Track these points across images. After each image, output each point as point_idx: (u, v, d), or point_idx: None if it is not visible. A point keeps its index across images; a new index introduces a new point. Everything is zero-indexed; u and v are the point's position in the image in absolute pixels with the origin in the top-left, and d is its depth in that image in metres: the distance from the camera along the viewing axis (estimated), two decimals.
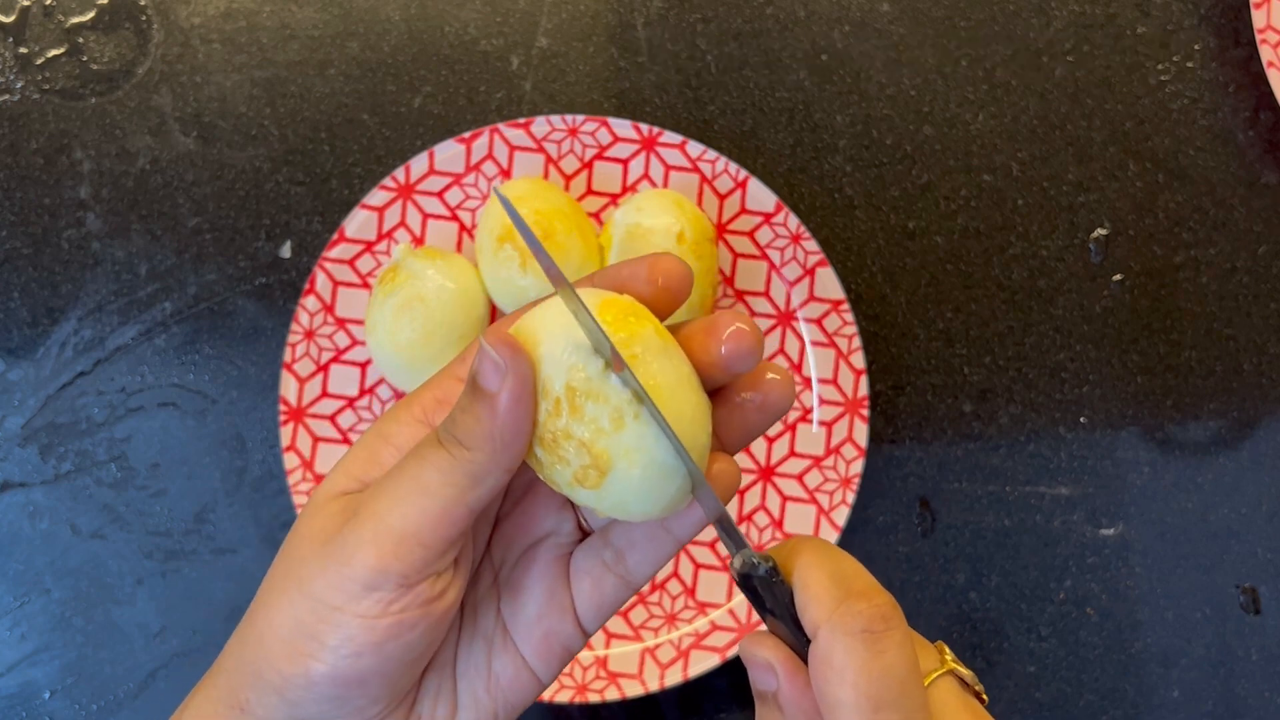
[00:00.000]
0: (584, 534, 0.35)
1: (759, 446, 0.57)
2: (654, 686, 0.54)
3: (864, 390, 0.56)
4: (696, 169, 0.57)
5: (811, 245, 0.56)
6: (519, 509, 0.34)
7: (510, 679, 0.33)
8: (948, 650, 0.33)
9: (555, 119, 0.56)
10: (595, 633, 0.34)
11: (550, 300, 0.30)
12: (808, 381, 0.57)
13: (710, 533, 0.56)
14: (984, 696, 0.33)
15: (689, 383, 0.30)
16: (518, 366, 0.28)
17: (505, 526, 0.34)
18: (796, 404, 0.57)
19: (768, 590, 0.31)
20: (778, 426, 0.57)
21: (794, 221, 0.56)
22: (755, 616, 0.55)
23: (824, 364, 0.56)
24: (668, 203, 0.54)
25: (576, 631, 0.34)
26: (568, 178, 0.57)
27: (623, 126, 0.57)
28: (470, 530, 0.31)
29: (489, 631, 0.33)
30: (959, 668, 0.33)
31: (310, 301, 0.56)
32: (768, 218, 0.57)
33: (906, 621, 0.30)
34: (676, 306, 0.32)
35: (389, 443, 0.31)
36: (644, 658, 0.55)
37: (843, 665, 0.29)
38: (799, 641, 0.31)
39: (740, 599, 0.56)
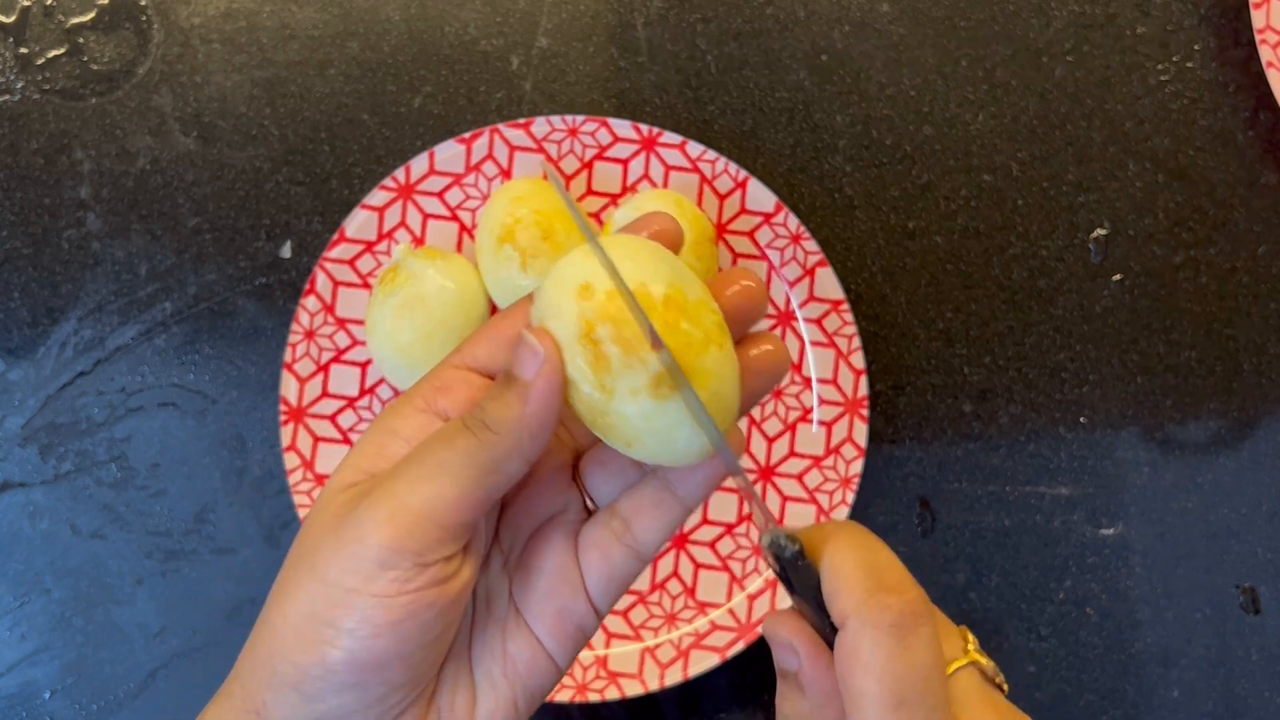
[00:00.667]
0: (589, 514, 0.35)
1: (759, 446, 0.57)
2: (654, 686, 0.54)
3: (864, 390, 0.56)
4: (696, 169, 0.57)
5: (811, 245, 0.56)
6: (525, 491, 0.34)
7: (527, 662, 0.33)
8: (971, 638, 0.33)
9: (555, 119, 0.56)
10: (607, 612, 0.34)
11: (628, 237, 0.32)
12: (808, 381, 0.57)
13: (711, 533, 0.56)
14: (1004, 687, 0.33)
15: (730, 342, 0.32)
16: (553, 357, 0.29)
17: (511, 510, 0.34)
18: (796, 404, 0.57)
19: (794, 571, 0.31)
20: (777, 426, 0.57)
21: (794, 221, 0.56)
22: (756, 615, 0.55)
23: (824, 364, 0.56)
24: (668, 203, 0.54)
25: (589, 609, 0.34)
26: (568, 178, 0.57)
27: (623, 126, 0.57)
28: (484, 517, 0.31)
29: (502, 615, 0.33)
30: (981, 659, 0.33)
31: (310, 301, 0.56)
32: (767, 218, 0.57)
33: (934, 617, 0.30)
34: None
35: (396, 436, 0.31)
36: (644, 657, 0.55)
37: (869, 658, 0.29)
38: (823, 624, 0.31)
39: (739, 599, 0.56)
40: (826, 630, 0.31)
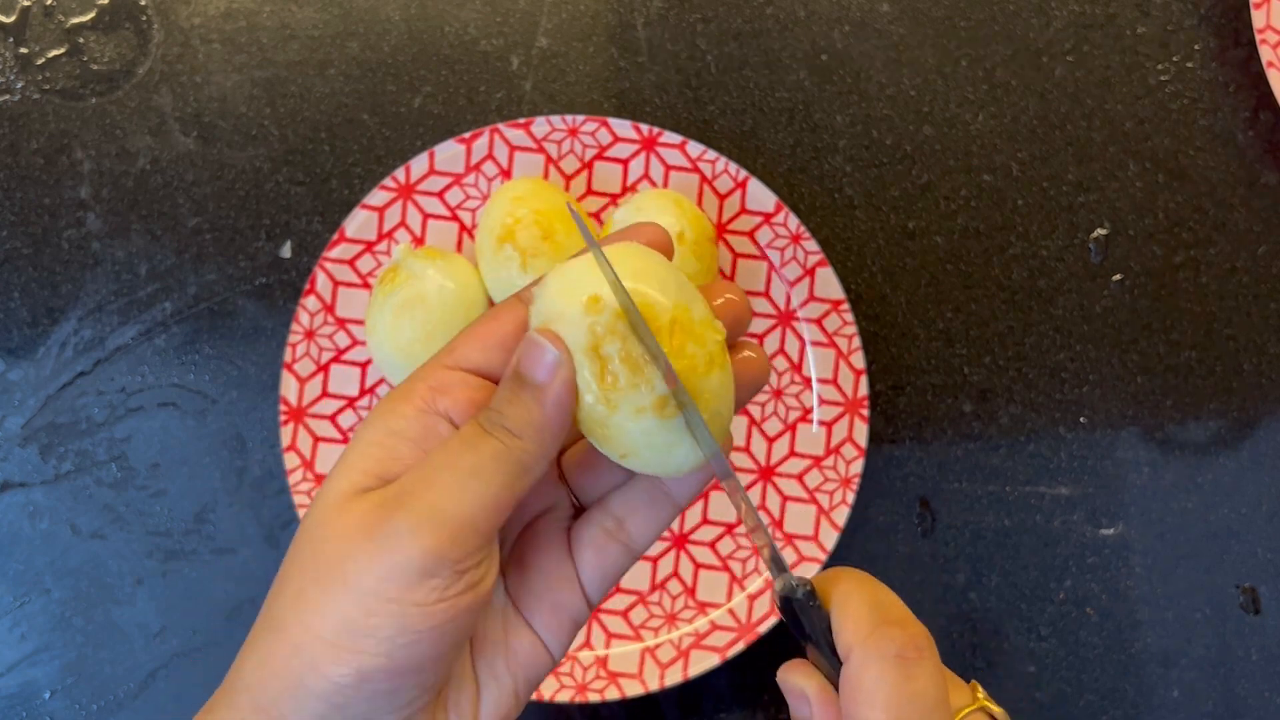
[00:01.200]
0: (576, 510, 0.35)
1: (759, 446, 0.57)
2: (654, 686, 0.54)
3: (864, 390, 0.56)
4: (696, 169, 0.57)
5: (811, 245, 0.56)
6: None
7: (527, 653, 0.34)
8: (980, 689, 0.34)
9: (555, 119, 0.56)
10: (599, 603, 0.35)
11: (628, 245, 0.32)
12: (808, 381, 0.57)
13: (711, 533, 0.56)
14: None
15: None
16: (566, 361, 0.30)
17: None
18: (796, 404, 0.57)
19: (805, 614, 0.32)
20: (777, 426, 0.57)
21: (794, 221, 0.56)
22: (756, 616, 0.55)
23: (824, 364, 0.56)
24: (668, 203, 0.54)
25: (582, 602, 0.34)
26: (568, 178, 0.57)
27: (623, 126, 0.57)
28: None
29: (500, 610, 0.34)
30: (991, 705, 0.33)
31: (310, 301, 0.56)
32: (768, 218, 0.57)
33: (936, 653, 0.31)
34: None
35: (401, 438, 0.31)
36: (644, 658, 0.55)
37: (873, 688, 0.30)
38: (834, 669, 0.32)
39: (740, 599, 0.56)
40: (837, 676, 0.32)
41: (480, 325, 0.32)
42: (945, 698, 0.30)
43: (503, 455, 0.29)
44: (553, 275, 0.31)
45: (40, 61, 0.60)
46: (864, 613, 0.31)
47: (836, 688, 0.32)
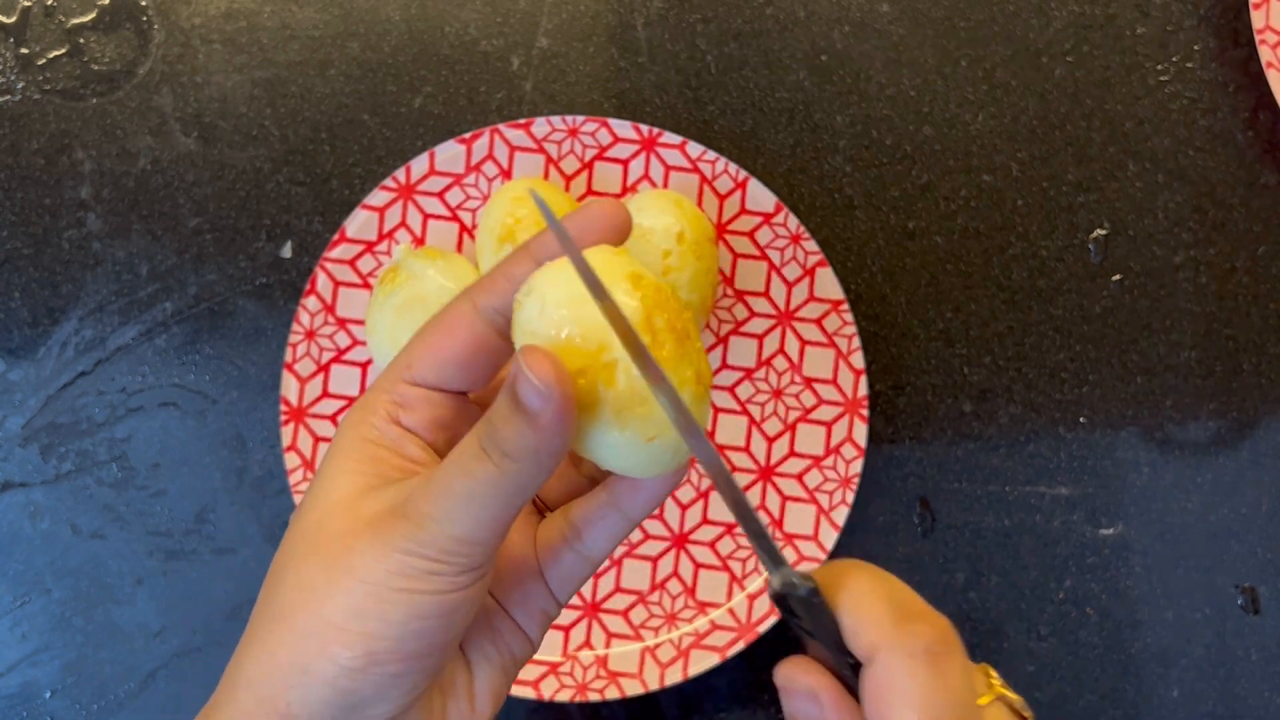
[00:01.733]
0: (539, 512, 0.36)
1: (759, 446, 0.57)
2: (654, 686, 0.54)
3: (864, 390, 0.56)
4: (696, 169, 0.57)
5: (811, 245, 0.56)
6: None
7: (509, 633, 0.34)
8: (994, 674, 0.33)
9: (555, 119, 0.57)
10: (566, 602, 0.36)
11: (600, 250, 0.32)
12: (808, 381, 0.57)
13: (711, 533, 0.56)
14: None
15: None
16: (562, 386, 0.28)
17: None
18: (796, 404, 0.57)
19: (807, 612, 0.31)
20: (777, 426, 0.57)
21: (794, 222, 0.56)
22: (756, 615, 0.55)
23: (824, 364, 0.56)
24: (668, 203, 0.54)
25: (550, 598, 0.35)
26: (568, 178, 0.57)
27: (623, 127, 0.57)
28: None
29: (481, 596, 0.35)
30: (1007, 693, 0.33)
31: (311, 302, 0.56)
32: (768, 218, 0.57)
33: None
34: (624, 240, 0.34)
35: (378, 445, 0.32)
36: (644, 657, 0.55)
37: (905, 687, 0.29)
38: (840, 665, 0.31)
39: (740, 599, 0.56)
40: (845, 672, 0.31)
41: (432, 338, 0.32)
42: (974, 691, 0.30)
43: (498, 481, 0.29)
44: (554, 274, 0.30)
45: (41, 62, 0.60)
46: (884, 609, 0.30)
47: (846, 686, 0.31)
